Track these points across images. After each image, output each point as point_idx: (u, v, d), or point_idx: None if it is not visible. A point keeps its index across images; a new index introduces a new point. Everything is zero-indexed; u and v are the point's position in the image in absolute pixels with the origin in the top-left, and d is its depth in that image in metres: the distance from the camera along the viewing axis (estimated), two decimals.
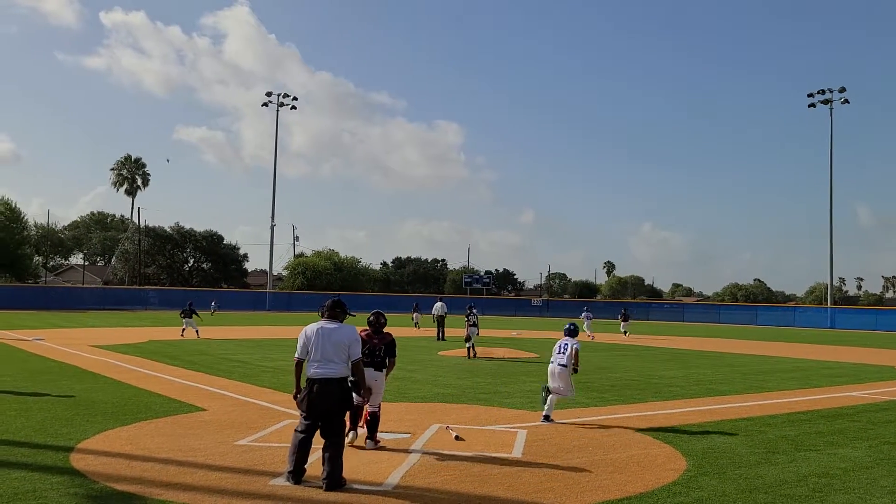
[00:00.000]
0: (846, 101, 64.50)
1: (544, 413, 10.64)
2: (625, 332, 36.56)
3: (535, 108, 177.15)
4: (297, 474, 6.88)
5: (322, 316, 7.33)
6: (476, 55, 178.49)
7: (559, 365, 10.78)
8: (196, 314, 29.30)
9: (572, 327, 11.31)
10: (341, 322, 7.29)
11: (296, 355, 7.28)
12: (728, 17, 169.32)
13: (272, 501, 6.29)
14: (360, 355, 7.23)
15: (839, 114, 65.39)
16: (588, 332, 33.84)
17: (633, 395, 13.96)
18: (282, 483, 6.87)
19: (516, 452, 8.45)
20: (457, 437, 9.10)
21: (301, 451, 6.92)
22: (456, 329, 33.23)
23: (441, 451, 8.35)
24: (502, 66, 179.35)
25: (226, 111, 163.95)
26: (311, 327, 7.20)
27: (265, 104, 74.89)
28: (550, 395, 10.67)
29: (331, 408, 6.96)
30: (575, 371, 10.87)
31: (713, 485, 7.16)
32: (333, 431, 6.96)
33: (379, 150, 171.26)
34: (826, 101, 65.42)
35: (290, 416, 10.58)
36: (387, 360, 8.95)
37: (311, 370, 7.07)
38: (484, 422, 10.44)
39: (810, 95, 66.26)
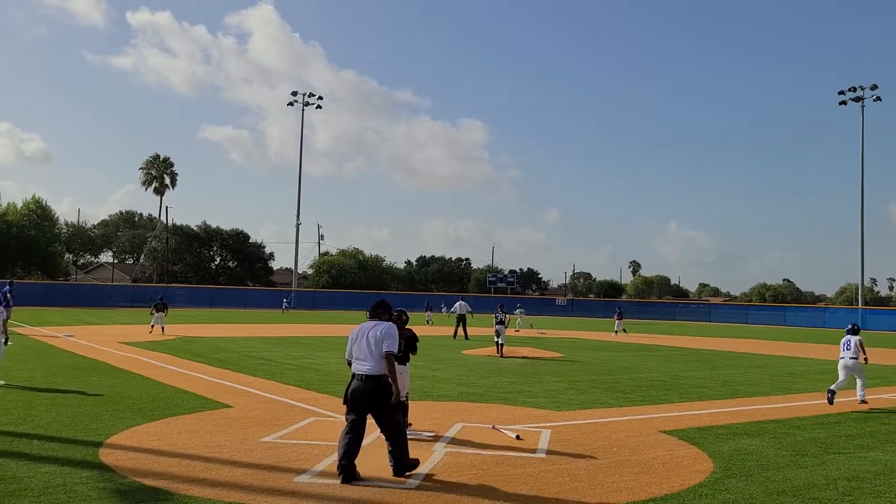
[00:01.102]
0: (878, 98, 63.48)
1: (860, 398, 13.12)
2: (617, 331, 36.84)
3: (560, 105, 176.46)
4: (346, 468, 6.96)
5: (367, 315, 7.72)
6: (500, 53, 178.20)
7: (850, 358, 12.96)
8: (167, 309, 28.74)
9: (855, 326, 13.42)
10: (384, 321, 7.57)
11: (346, 355, 7.59)
12: (757, 14, 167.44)
13: (297, 498, 6.33)
14: (394, 350, 7.36)
15: (871, 111, 64.57)
16: (518, 328, 37.46)
17: (659, 395, 13.85)
18: (307, 480, 6.91)
19: (540, 452, 8.42)
20: (518, 437, 9.08)
21: (349, 448, 7.05)
22: (482, 328, 33.25)
23: (465, 450, 8.35)
24: (526, 64, 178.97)
25: (251, 110, 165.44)
26: (358, 327, 7.55)
27: (291, 103, 75.47)
28: (858, 381, 13.13)
29: (369, 403, 7.18)
30: (865, 361, 13.08)
31: (740, 487, 7.09)
32: (385, 423, 7.21)
33: (403, 149, 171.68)
34: (857, 99, 64.42)
35: (315, 414, 10.65)
36: (409, 355, 9.28)
37: (353, 366, 7.39)
38: (508, 421, 10.42)
39: (841, 93, 65.31)
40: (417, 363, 16.26)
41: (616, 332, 36.79)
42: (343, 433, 7.17)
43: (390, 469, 7.20)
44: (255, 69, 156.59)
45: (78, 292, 62.56)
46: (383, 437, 7.35)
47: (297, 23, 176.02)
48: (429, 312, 45.19)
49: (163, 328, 28.05)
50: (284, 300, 64.00)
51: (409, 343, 9.23)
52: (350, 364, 7.47)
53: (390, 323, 7.60)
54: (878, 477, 7.67)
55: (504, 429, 9.58)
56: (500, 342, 22.29)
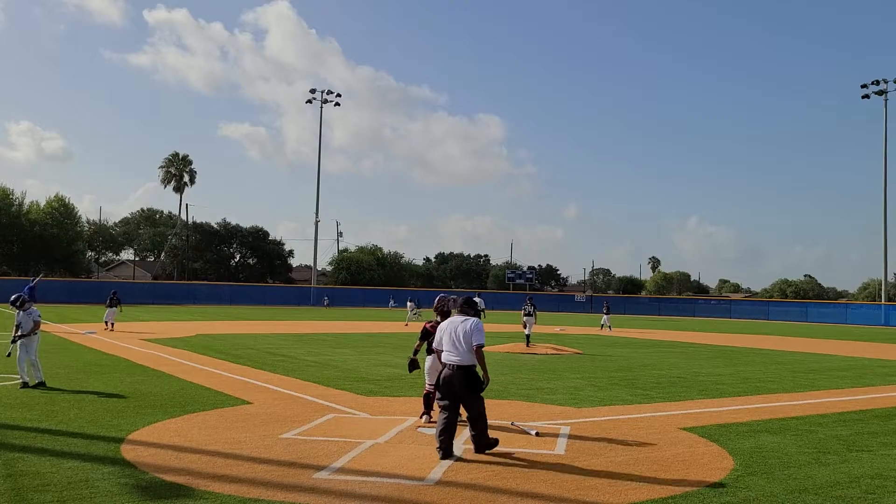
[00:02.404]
0: None
1: None
2: (602, 326, 36.98)
3: (578, 100, 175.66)
4: (445, 448, 7.76)
5: (456, 311, 8.50)
6: (517, 47, 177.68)
7: None
8: (120, 305, 28.34)
9: None
10: (471, 316, 8.28)
11: (434, 345, 8.47)
12: (779, 6, 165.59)
13: (316, 494, 6.35)
14: (482, 342, 8.04)
15: (894, 104, 63.38)
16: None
17: (679, 392, 13.76)
18: (326, 476, 6.94)
19: (559, 449, 8.39)
20: (537, 434, 9.08)
21: (444, 433, 7.81)
22: (497, 325, 33.22)
23: None
24: (544, 59, 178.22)
25: (268, 107, 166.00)
26: (447, 320, 8.39)
27: (310, 101, 75.74)
28: None
29: (457, 389, 7.91)
30: None
31: (761, 485, 7.02)
32: (470, 407, 7.98)
33: (420, 145, 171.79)
34: (880, 93, 63.65)
35: (335, 411, 10.69)
36: None
37: (443, 357, 8.13)
38: (526, 418, 10.40)
39: (864, 86, 64.54)
40: None
41: (602, 326, 36.86)
42: (440, 417, 7.94)
43: (416, 462, 7.23)
44: (272, 66, 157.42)
45: (99, 290, 63.20)
46: (398, 435, 7.66)
47: (313, 19, 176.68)
48: (416, 310, 48.49)
49: (112, 324, 27.67)
50: (325, 298, 66.89)
51: None
52: (438, 353, 8.29)
53: (477, 318, 8.28)
54: None
55: (523, 425, 9.57)
56: (527, 333, 23.85)
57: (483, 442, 7.98)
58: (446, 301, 9.51)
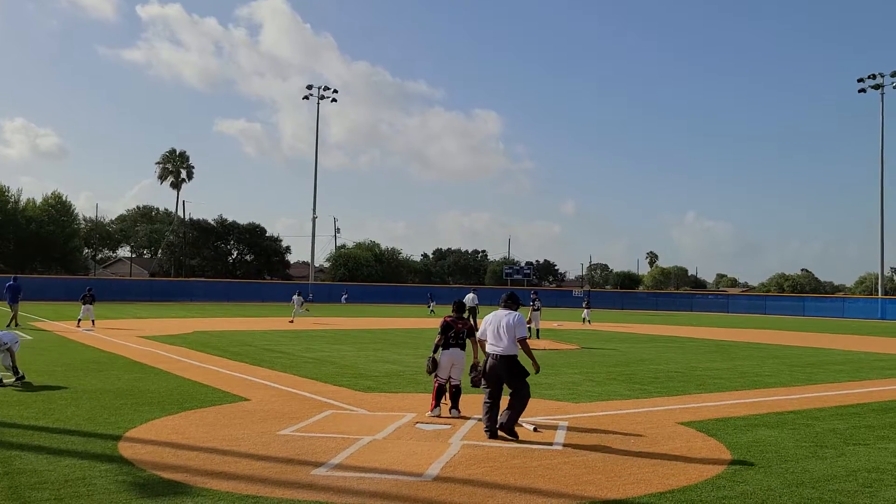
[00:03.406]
0: None
1: None
2: (584, 320, 37.24)
3: (575, 95, 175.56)
4: (490, 429, 8.56)
5: (500, 305, 9.07)
6: (514, 43, 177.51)
7: None
8: (94, 301, 27.92)
9: None
10: (514, 311, 8.96)
11: (478, 335, 9.22)
12: (776, 1, 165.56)
13: (314, 491, 6.35)
14: (525, 335, 8.80)
15: (891, 98, 63.69)
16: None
17: (677, 387, 13.78)
18: (324, 472, 6.94)
19: (557, 444, 8.40)
20: (535, 429, 9.09)
21: (490, 414, 8.62)
22: None
23: (481, 443, 8.35)
24: (541, 54, 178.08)
25: (264, 103, 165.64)
26: (492, 314, 8.98)
27: (306, 97, 75.56)
28: None
29: (501, 376, 8.66)
30: None
31: (758, 479, 7.03)
32: (513, 391, 8.67)
33: (417, 141, 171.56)
34: (877, 87, 63.63)
35: (333, 407, 10.69)
36: (468, 342, 10.16)
37: (487, 347, 8.84)
38: (525, 413, 10.38)
39: (860, 80, 64.51)
40: None
41: (584, 320, 37.17)
42: (484, 401, 8.73)
43: (414, 458, 7.26)
44: (268, 61, 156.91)
45: (96, 287, 63.08)
46: (396, 431, 7.97)
47: (308, 13, 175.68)
48: (432, 303, 50.81)
49: (93, 321, 27.44)
50: (343, 295, 67.41)
51: (470, 333, 10.20)
52: (481, 342, 9.05)
53: (519, 313, 8.95)
54: None
55: (522, 421, 9.56)
56: (532, 327, 24.68)
57: (509, 426, 8.48)
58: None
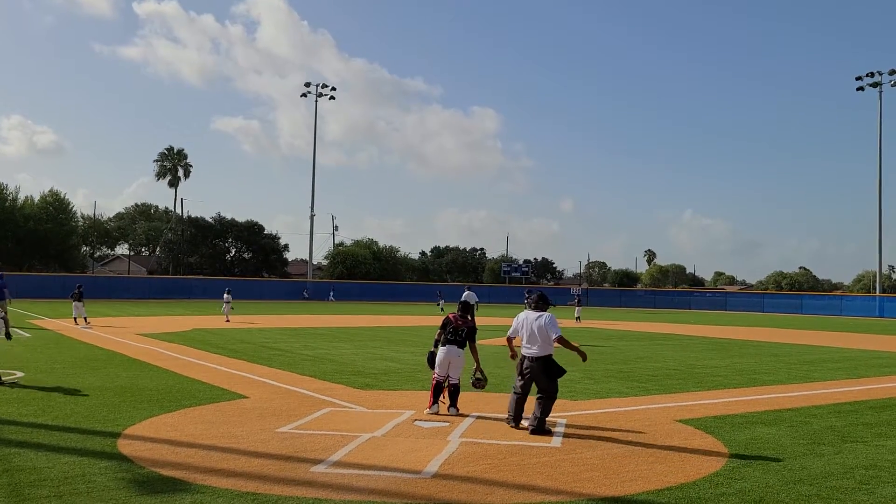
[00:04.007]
0: None
1: None
2: (576, 318, 37.66)
3: (573, 93, 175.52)
4: (515, 419, 8.97)
5: (529, 306, 9.24)
6: (512, 40, 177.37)
7: None
8: (82, 299, 27.77)
9: None
10: (544, 311, 9.15)
11: (508, 333, 9.40)
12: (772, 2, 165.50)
13: (313, 488, 6.36)
14: (560, 333, 8.98)
15: (889, 97, 63.80)
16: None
17: (674, 384, 13.80)
18: (323, 470, 6.95)
19: (555, 442, 8.42)
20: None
21: (517, 406, 9.02)
22: (488, 318, 33.24)
23: (479, 440, 8.36)
24: (539, 51, 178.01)
25: (261, 100, 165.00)
26: (523, 315, 9.15)
27: (304, 94, 75.48)
28: None
29: (536, 377, 8.91)
30: None
31: (756, 476, 7.05)
32: (543, 391, 8.89)
33: (415, 138, 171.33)
34: (875, 85, 63.67)
35: (331, 405, 10.70)
36: (466, 341, 10.17)
37: (522, 350, 9.03)
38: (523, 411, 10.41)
39: (858, 78, 64.55)
40: None
41: (576, 318, 37.62)
42: (513, 392, 9.10)
43: (413, 455, 7.27)
44: (265, 58, 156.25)
45: (95, 285, 63.09)
46: (395, 428, 8.05)
47: (305, 10, 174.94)
48: (441, 301, 50.65)
49: (85, 318, 27.43)
50: (331, 291, 67.18)
51: (469, 333, 10.20)
52: (510, 339, 9.36)
53: (550, 313, 9.15)
54: (895, 465, 7.62)
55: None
56: None
57: (541, 427, 8.71)
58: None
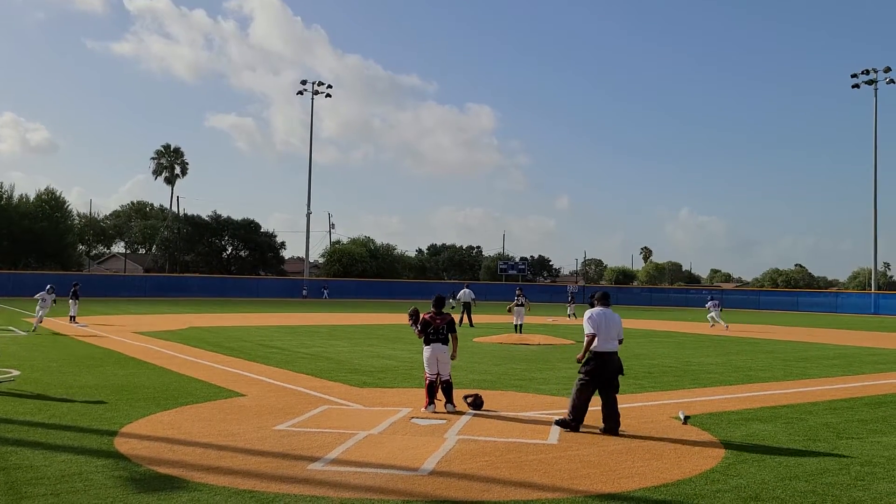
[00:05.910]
0: (892, 81, 62.75)
1: None
2: (569, 315, 38.35)
3: (570, 90, 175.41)
4: (578, 422, 8.92)
5: (597, 303, 9.24)
6: (508, 37, 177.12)
7: None
8: (78, 298, 27.54)
9: None
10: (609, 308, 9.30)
11: (592, 331, 8.95)
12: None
13: (310, 486, 6.37)
14: (622, 336, 9.24)
15: (884, 94, 63.93)
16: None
17: (671, 381, 13.84)
18: (320, 467, 6.96)
19: (552, 439, 8.44)
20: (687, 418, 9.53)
21: (581, 409, 8.92)
22: (487, 315, 33.26)
23: (477, 437, 8.38)
24: (535, 48, 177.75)
25: (255, 97, 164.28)
26: (598, 312, 9.07)
27: (300, 92, 75.32)
28: None
29: (617, 374, 8.98)
30: None
31: (752, 472, 7.08)
32: (613, 391, 8.93)
33: (410, 135, 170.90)
34: (871, 82, 63.76)
35: (328, 402, 10.71)
36: (449, 336, 10.25)
37: (602, 346, 8.92)
38: (519, 408, 10.45)
39: (854, 76, 64.64)
40: None
41: (570, 315, 38.21)
42: (584, 395, 8.92)
43: (410, 453, 7.28)
44: (258, 55, 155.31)
45: (91, 283, 62.99)
46: (392, 426, 8.06)
47: (299, 6, 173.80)
48: (451, 301, 48.28)
49: (71, 316, 27.26)
50: (324, 288, 67.25)
51: (449, 326, 10.27)
52: (593, 337, 8.92)
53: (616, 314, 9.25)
54: (891, 462, 7.65)
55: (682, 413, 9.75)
56: (518, 323, 25.61)
57: (614, 426, 8.80)
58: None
